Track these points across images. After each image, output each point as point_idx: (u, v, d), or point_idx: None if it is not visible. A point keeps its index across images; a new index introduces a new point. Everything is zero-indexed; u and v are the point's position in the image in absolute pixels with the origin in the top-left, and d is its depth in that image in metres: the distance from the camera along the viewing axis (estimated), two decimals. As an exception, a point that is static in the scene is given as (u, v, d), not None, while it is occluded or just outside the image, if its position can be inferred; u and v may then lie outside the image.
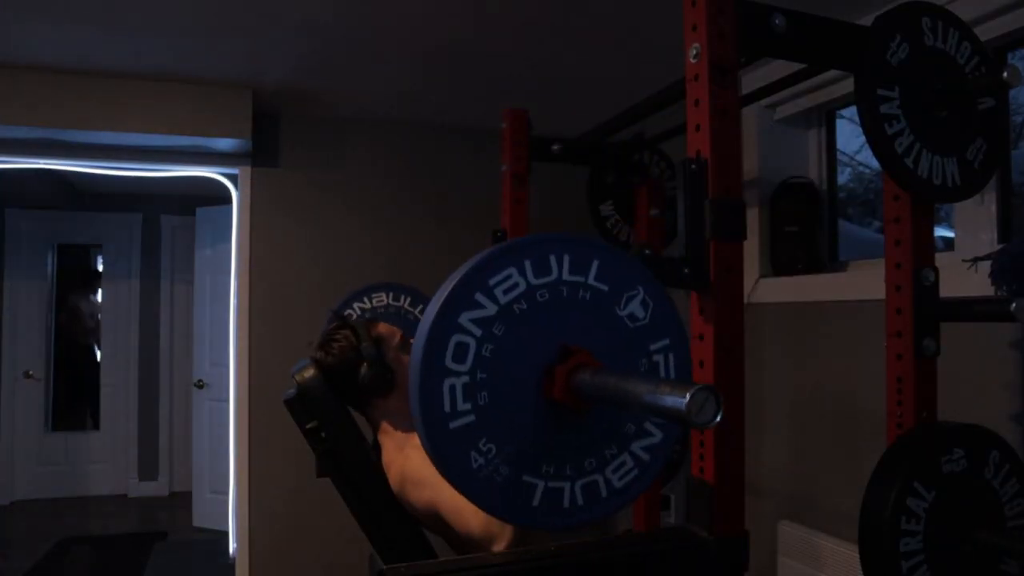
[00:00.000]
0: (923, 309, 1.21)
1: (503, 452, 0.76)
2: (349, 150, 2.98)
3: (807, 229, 2.18)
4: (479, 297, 0.76)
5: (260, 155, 2.85)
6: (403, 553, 1.55)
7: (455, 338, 0.75)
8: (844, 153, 2.37)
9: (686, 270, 1.00)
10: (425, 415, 0.73)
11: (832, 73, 1.78)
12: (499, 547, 1.34)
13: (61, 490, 5.05)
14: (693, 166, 1.00)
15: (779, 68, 1.97)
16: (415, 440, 1.52)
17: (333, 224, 2.96)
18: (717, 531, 0.99)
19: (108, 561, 3.83)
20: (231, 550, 3.09)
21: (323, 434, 1.57)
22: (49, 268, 5.18)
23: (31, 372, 5.00)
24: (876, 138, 1.11)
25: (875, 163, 2.14)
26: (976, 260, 1.55)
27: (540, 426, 0.78)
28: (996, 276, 1.40)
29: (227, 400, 3.28)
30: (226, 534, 3.52)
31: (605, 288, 0.82)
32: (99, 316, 5.29)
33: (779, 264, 2.24)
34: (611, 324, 0.82)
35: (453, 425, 0.74)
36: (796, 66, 1.33)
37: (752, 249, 2.30)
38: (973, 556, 1.10)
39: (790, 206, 2.21)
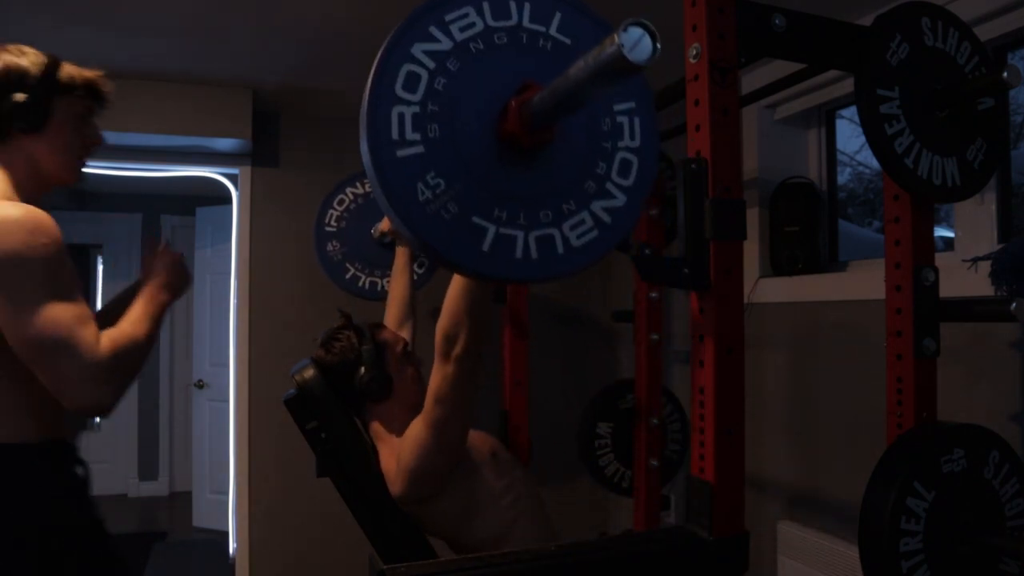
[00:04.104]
0: (923, 309, 1.21)
1: (452, 188, 0.74)
2: (349, 150, 2.97)
3: (807, 229, 2.18)
4: (433, 30, 0.75)
5: (260, 155, 2.85)
6: (403, 553, 1.55)
7: (406, 67, 0.74)
8: (844, 153, 2.37)
9: (686, 270, 1.00)
10: (372, 141, 0.72)
11: (832, 73, 1.78)
12: (456, 351, 1.24)
13: (61, 490, 5.05)
14: (693, 166, 1.00)
15: (779, 68, 1.97)
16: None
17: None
18: (717, 531, 0.99)
19: (108, 561, 3.82)
20: (231, 550, 3.09)
21: (323, 434, 1.57)
22: (49, 268, 5.18)
23: (31, 372, 4.99)
24: (876, 138, 1.11)
25: (875, 163, 2.14)
26: (976, 260, 1.55)
27: (492, 166, 0.76)
28: (996, 276, 1.40)
29: (227, 400, 3.28)
30: (226, 534, 3.52)
31: (567, 41, 0.81)
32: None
33: (779, 264, 2.24)
34: None
35: (401, 153, 0.72)
36: (796, 66, 1.33)
37: (752, 249, 2.30)
38: (973, 556, 1.10)
39: (790, 206, 2.21)
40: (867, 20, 1.16)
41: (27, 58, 1.23)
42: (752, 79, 2.16)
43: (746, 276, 1.34)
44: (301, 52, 2.24)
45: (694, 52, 1.02)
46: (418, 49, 0.74)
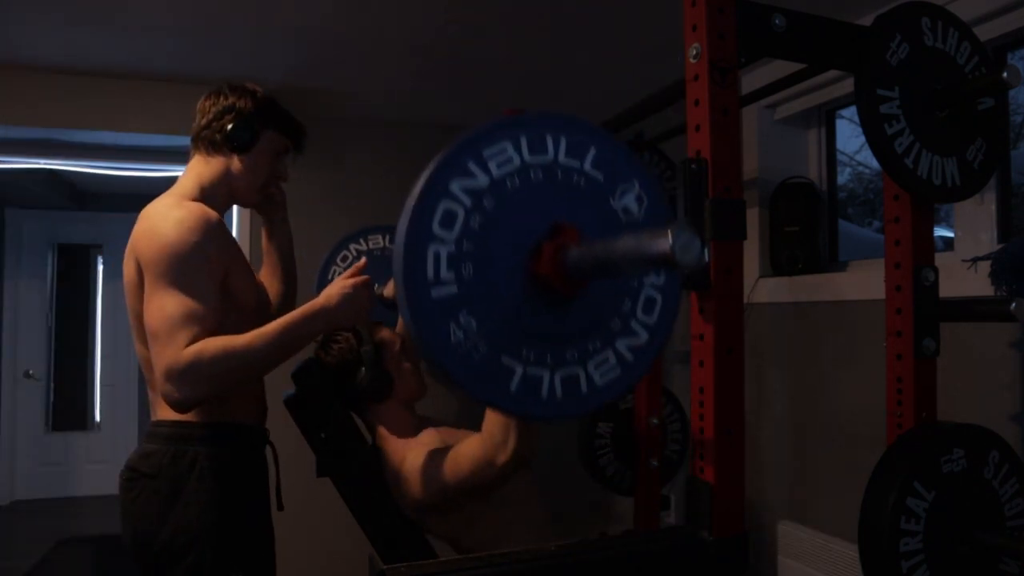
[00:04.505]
0: (923, 309, 1.21)
1: (483, 329, 0.74)
2: (349, 150, 2.97)
3: (807, 229, 2.18)
4: (472, 166, 0.74)
5: (260, 155, 2.85)
6: (403, 553, 1.55)
7: (444, 204, 0.73)
8: (844, 153, 2.38)
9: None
10: (407, 280, 0.71)
11: (832, 73, 1.78)
12: (502, 459, 1.29)
13: (61, 490, 5.05)
14: (693, 166, 1.00)
15: (779, 68, 1.97)
16: (413, 444, 1.52)
17: (332, 223, 2.95)
18: (717, 531, 0.99)
19: (108, 561, 3.82)
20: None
21: (323, 434, 1.57)
22: (49, 268, 5.18)
23: (31, 372, 5.00)
24: (876, 138, 1.11)
25: (875, 163, 2.14)
26: (976, 260, 1.55)
27: (523, 306, 0.76)
28: (996, 276, 1.41)
29: (227, 400, 3.28)
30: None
31: (600, 177, 0.81)
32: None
33: (779, 264, 2.24)
34: (604, 214, 0.80)
35: (435, 294, 0.72)
36: (796, 66, 1.33)
37: (752, 249, 2.30)
38: (973, 556, 1.10)
39: (790, 206, 2.22)
40: (867, 20, 1.16)
41: (251, 93, 1.50)
42: (752, 79, 2.16)
43: (746, 276, 1.34)
44: (301, 52, 2.24)
45: (694, 52, 1.02)
46: (456, 186, 0.73)
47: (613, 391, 0.81)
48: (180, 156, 2.82)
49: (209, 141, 1.46)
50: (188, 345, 1.21)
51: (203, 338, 1.24)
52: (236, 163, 1.46)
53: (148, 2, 1.88)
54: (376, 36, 2.08)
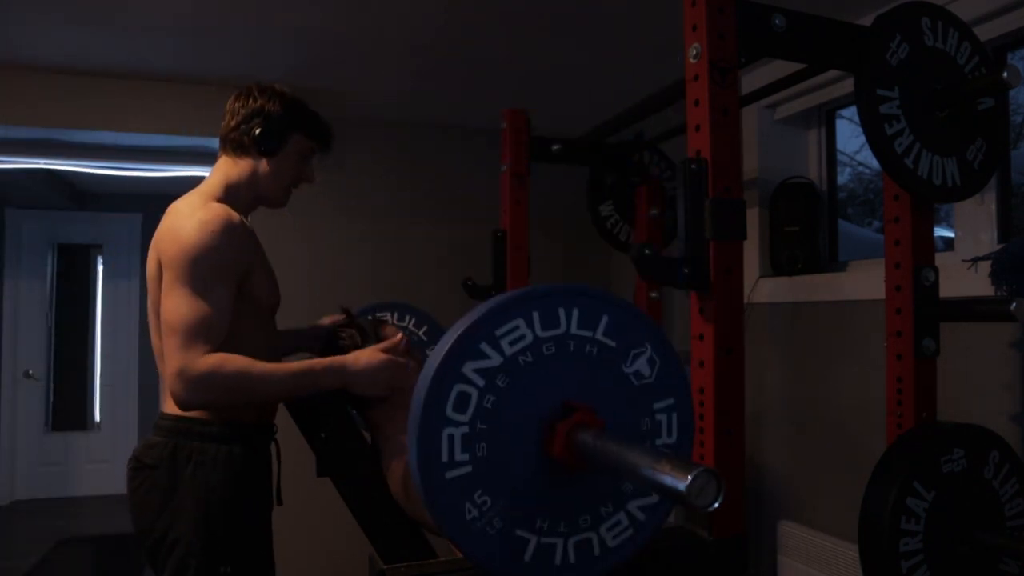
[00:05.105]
0: (923, 309, 1.21)
1: (497, 505, 0.74)
2: (349, 150, 2.97)
3: (807, 229, 2.18)
4: (484, 347, 0.74)
5: (260, 155, 2.85)
6: (403, 553, 1.55)
7: (457, 387, 0.73)
8: (844, 153, 2.37)
9: (686, 270, 1.00)
10: (422, 463, 0.72)
11: (832, 73, 1.78)
12: None
13: (61, 490, 5.05)
14: (693, 166, 1.00)
15: (779, 68, 1.97)
16: None
17: (332, 223, 2.96)
18: (717, 531, 0.99)
19: (108, 561, 3.83)
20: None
21: (323, 434, 1.57)
22: (49, 268, 5.18)
23: (31, 372, 5.00)
24: (876, 138, 1.11)
25: (875, 163, 2.14)
26: (976, 260, 1.55)
27: (536, 481, 0.77)
28: (996, 276, 1.41)
29: (227, 400, 3.28)
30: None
31: (613, 344, 0.80)
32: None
33: (779, 264, 2.23)
34: (616, 380, 0.80)
35: (450, 475, 0.72)
36: (796, 66, 1.33)
37: (752, 249, 2.30)
38: (973, 556, 1.10)
39: (790, 206, 2.21)
40: (867, 20, 1.16)
41: (280, 96, 1.49)
42: (752, 79, 2.16)
43: (746, 276, 1.34)
44: (301, 52, 2.24)
45: (694, 52, 1.02)
46: (469, 367, 0.73)
47: (625, 551, 0.82)
48: (180, 156, 2.83)
49: (237, 143, 1.48)
50: (207, 353, 1.25)
51: (217, 345, 1.27)
52: (263, 166, 1.49)
53: (148, 2, 1.88)
54: (376, 36, 2.08)
